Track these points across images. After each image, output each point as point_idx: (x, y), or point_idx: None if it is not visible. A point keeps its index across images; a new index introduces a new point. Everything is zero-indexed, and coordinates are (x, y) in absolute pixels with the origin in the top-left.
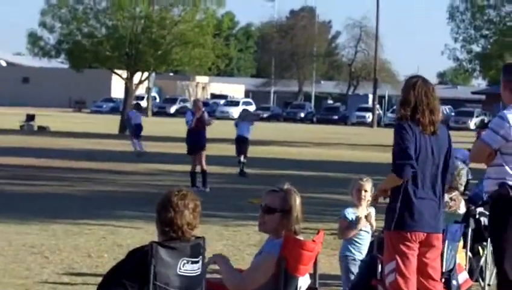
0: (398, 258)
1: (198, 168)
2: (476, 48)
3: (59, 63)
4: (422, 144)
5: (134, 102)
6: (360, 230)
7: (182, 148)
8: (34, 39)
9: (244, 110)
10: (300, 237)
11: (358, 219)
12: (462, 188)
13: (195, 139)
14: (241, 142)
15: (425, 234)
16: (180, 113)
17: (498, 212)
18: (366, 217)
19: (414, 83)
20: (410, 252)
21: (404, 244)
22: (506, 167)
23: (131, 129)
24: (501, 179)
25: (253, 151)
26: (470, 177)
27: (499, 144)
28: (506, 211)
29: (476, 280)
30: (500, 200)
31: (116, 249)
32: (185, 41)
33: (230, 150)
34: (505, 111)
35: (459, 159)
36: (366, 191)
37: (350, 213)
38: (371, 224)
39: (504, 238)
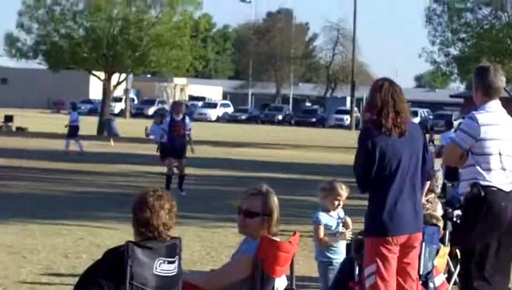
0: (378, 261)
1: (173, 171)
2: (454, 51)
3: (37, 64)
4: (389, 147)
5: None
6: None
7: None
8: (11, 40)
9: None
10: (277, 239)
11: (343, 233)
12: (438, 190)
13: (179, 143)
14: None
15: (406, 236)
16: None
17: (470, 212)
18: (344, 224)
19: (380, 85)
20: (390, 255)
21: (385, 248)
22: (478, 167)
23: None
24: (473, 179)
25: (230, 152)
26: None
27: (469, 143)
28: (478, 210)
29: (455, 283)
30: (471, 200)
31: (94, 249)
32: (162, 42)
33: (208, 151)
34: (474, 112)
35: None
36: (341, 199)
37: (325, 218)
38: (348, 228)
39: (473, 237)
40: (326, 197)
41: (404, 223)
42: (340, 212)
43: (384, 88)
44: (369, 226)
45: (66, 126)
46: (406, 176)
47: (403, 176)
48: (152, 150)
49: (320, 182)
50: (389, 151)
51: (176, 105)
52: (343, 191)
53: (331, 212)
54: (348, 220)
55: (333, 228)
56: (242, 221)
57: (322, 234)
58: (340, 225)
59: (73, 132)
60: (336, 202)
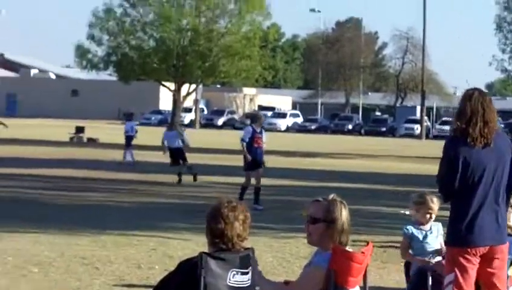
0: (457, 271)
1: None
2: None
3: (107, 75)
4: (473, 157)
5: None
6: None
7: (229, 160)
8: (82, 52)
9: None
10: (349, 249)
11: (438, 251)
12: None
13: (261, 155)
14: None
15: (486, 248)
16: (227, 125)
17: None
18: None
19: (470, 94)
20: (469, 265)
21: (464, 258)
22: None
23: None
24: None
25: (300, 163)
26: None
27: None
28: None
29: None
30: None
31: (166, 260)
32: (232, 53)
33: (278, 162)
34: None
35: None
36: (433, 212)
37: (413, 232)
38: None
39: None
40: (418, 211)
41: (485, 234)
42: (435, 225)
43: (474, 97)
44: (449, 236)
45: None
46: (489, 187)
47: (485, 187)
48: (222, 160)
49: (411, 195)
50: (472, 161)
51: (257, 117)
52: (435, 204)
53: (422, 226)
54: (439, 228)
55: (422, 241)
56: (307, 228)
57: (407, 248)
58: (435, 254)
59: (127, 142)
60: (428, 215)
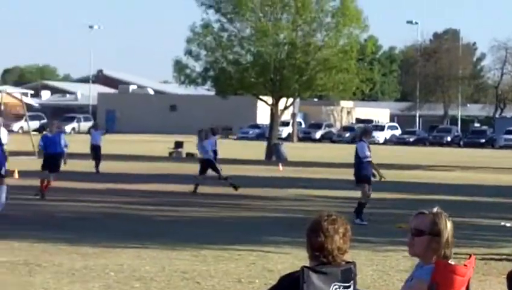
0: None
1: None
2: None
3: (205, 90)
4: None
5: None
6: None
7: (328, 173)
8: (180, 67)
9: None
10: (452, 262)
11: None
12: None
13: (371, 168)
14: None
15: None
16: (325, 138)
17: None
18: None
19: None
20: None
21: None
22: None
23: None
24: None
25: (399, 175)
26: None
27: None
28: None
29: None
30: None
31: (266, 274)
32: (329, 66)
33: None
34: None
35: None
36: None
37: None
38: None
39: None
40: None
41: None
42: None
43: None
44: None
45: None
46: None
47: None
48: (321, 173)
49: None
50: None
51: (368, 132)
52: None
53: None
54: None
55: None
56: (410, 240)
57: None
58: None
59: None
60: None
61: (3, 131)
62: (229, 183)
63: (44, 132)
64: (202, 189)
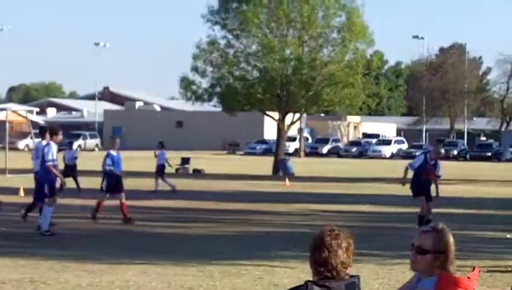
0: None
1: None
2: None
3: (212, 106)
4: None
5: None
6: None
7: (335, 188)
8: (186, 84)
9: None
10: (455, 275)
11: None
12: None
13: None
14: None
15: None
16: (332, 153)
17: None
18: None
19: None
20: None
21: None
22: None
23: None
24: None
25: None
26: None
27: None
28: None
29: None
30: None
31: (272, 289)
32: (335, 81)
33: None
34: None
35: None
36: None
37: None
38: None
39: None
40: None
41: None
42: None
43: None
44: None
45: (168, 164)
46: None
47: None
48: (327, 188)
49: None
50: None
51: (438, 148)
52: None
53: None
54: None
55: None
56: (414, 257)
57: None
58: None
59: (159, 171)
60: None
61: (51, 147)
62: None
63: (109, 150)
64: (210, 205)
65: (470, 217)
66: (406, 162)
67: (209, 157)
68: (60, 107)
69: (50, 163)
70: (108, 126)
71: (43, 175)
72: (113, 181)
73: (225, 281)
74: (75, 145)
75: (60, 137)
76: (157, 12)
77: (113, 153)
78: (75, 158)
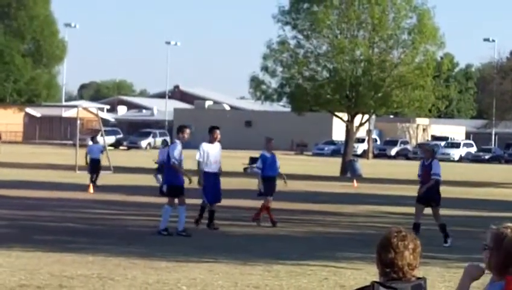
0: None
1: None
2: None
3: (281, 106)
4: None
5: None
6: None
7: (402, 190)
8: (256, 83)
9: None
10: None
11: None
12: None
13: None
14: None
15: None
16: (400, 155)
17: None
18: None
19: None
20: None
21: None
22: None
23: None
24: None
25: (472, 192)
26: None
27: None
28: None
29: None
30: None
31: (338, 289)
32: (405, 83)
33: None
34: None
35: None
36: None
37: None
38: None
39: None
40: None
41: None
42: None
43: None
44: None
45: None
46: None
47: None
48: (394, 190)
49: None
50: None
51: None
52: None
53: None
54: None
55: None
56: (484, 256)
57: None
58: None
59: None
60: None
61: (176, 146)
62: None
63: (262, 152)
64: (278, 205)
65: None
66: (475, 165)
67: (278, 158)
68: (131, 105)
69: (174, 161)
70: (178, 125)
71: (168, 173)
72: (269, 183)
73: (291, 281)
74: (143, 143)
75: (186, 135)
76: (228, 11)
77: (267, 154)
78: (101, 152)
